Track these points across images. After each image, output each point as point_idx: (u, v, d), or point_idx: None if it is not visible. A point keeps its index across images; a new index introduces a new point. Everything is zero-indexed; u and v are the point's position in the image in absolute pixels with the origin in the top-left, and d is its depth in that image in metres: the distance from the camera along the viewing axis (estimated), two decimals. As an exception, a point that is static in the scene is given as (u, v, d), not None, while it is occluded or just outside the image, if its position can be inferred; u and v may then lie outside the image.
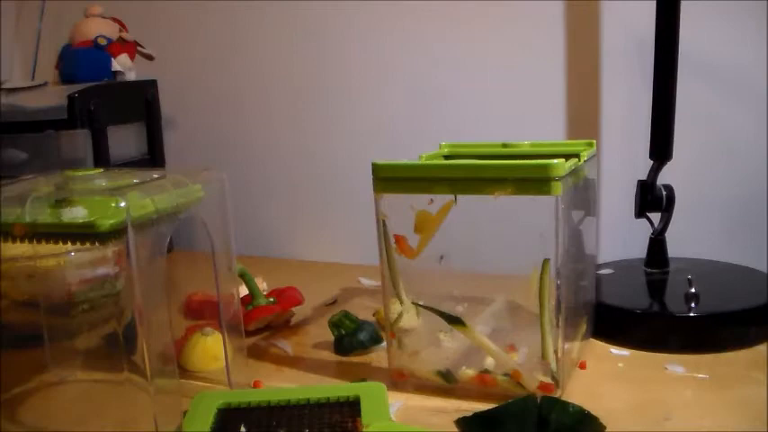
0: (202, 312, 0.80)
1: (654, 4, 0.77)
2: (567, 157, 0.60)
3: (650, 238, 0.83)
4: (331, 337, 0.76)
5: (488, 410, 0.54)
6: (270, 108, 1.16)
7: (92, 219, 0.52)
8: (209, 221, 0.62)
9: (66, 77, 1.07)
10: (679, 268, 0.82)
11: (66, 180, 0.60)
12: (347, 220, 1.13)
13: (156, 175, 0.60)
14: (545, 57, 0.97)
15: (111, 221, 0.51)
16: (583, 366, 0.68)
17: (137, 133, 1.11)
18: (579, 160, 0.64)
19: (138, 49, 1.12)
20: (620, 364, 0.69)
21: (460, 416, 0.55)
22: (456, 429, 0.55)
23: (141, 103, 1.10)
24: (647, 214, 0.82)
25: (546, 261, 0.58)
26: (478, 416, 0.54)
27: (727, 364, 0.67)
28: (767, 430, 0.54)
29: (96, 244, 0.52)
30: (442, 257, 0.63)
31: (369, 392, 0.56)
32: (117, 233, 0.51)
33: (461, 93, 1.03)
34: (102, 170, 0.63)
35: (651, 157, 0.81)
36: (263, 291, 0.86)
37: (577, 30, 0.95)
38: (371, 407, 0.54)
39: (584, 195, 0.68)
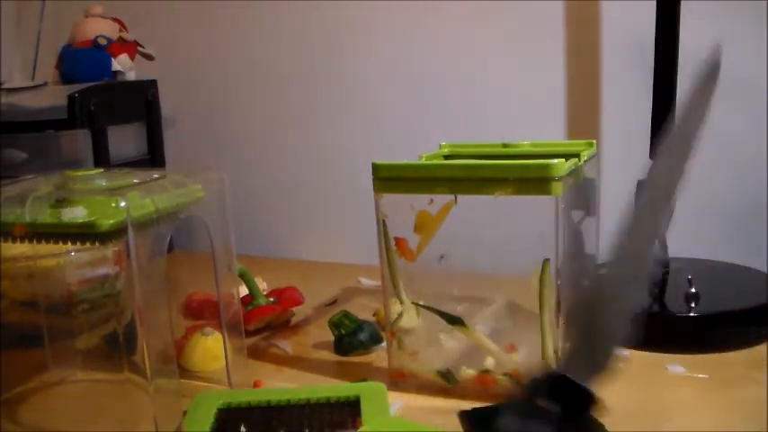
0: (202, 312, 0.80)
1: (654, 4, 0.77)
2: (567, 157, 0.60)
3: (650, 237, 0.83)
4: (331, 337, 0.76)
5: (490, 406, 0.54)
6: (270, 108, 1.16)
7: (92, 219, 0.52)
8: (210, 221, 0.62)
9: (66, 77, 1.07)
10: (679, 268, 0.82)
11: (66, 180, 0.60)
12: (347, 220, 1.13)
13: (156, 175, 0.60)
14: (545, 57, 0.97)
15: (111, 221, 0.51)
16: (583, 366, 0.68)
17: (137, 133, 1.11)
18: (579, 160, 0.64)
19: (138, 48, 1.12)
20: (620, 364, 0.69)
21: (463, 410, 0.55)
22: (457, 422, 0.55)
23: (141, 103, 1.10)
24: (647, 214, 0.82)
25: (546, 261, 0.58)
26: (480, 410, 0.54)
27: (727, 364, 0.67)
28: (767, 430, 0.54)
29: (96, 244, 0.52)
30: (442, 257, 0.63)
31: (369, 392, 0.56)
32: (117, 233, 0.51)
33: (461, 93, 1.03)
34: (102, 170, 0.63)
35: (651, 156, 0.81)
36: (263, 291, 0.86)
37: (577, 30, 0.95)
38: (371, 407, 0.54)
39: (584, 195, 0.68)
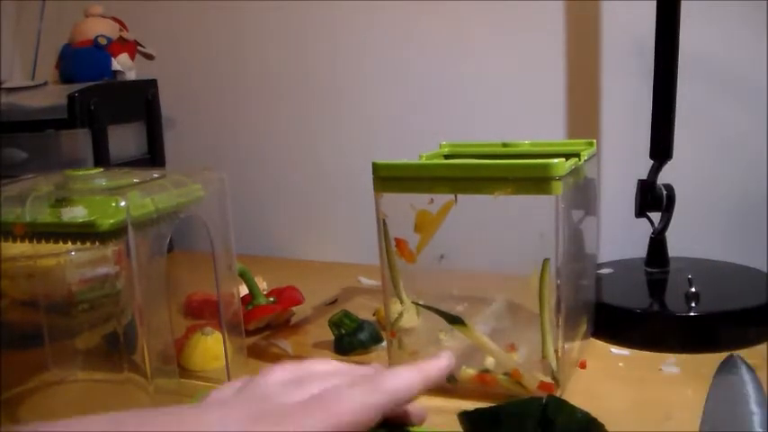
0: (202, 312, 0.80)
1: (654, 4, 0.77)
2: (567, 156, 0.60)
3: (650, 237, 0.83)
4: (331, 337, 0.76)
5: (491, 407, 0.54)
6: (270, 107, 1.16)
7: (92, 218, 0.52)
8: (210, 221, 0.62)
9: (66, 77, 1.07)
10: (679, 268, 0.82)
11: (67, 180, 0.60)
12: (347, 219, 1.13)
13: (156, 175, 0.60)
14: (545, 57, 0.97)
15: (111, 221, 0.51)
16: (583, 366, 0.68)
17: (137, 133, 1.11)
18: (579, 160, 0.64)
19: (138, 48, 1.12)
20: (621, 364, 0.69)
21: (463, 410, 0.55)
22: (458, 423, 0.55)
23: (141, 103, 1.11)
24: (648, 214, 0.82)
25: (546, 261, 0.58)
26: (481, 412, 0.54)
27: (728, 364, 0.67)
28: (767, 430, 0.54)
29: (96, 243, 0.52)
30: (442, 257, 0.63)
31: None
32: (117, 233, 0.51)
33: (461, 92, 1.03)
34: (102, 170, 0.63)
35: (651, 156, 0.81)
36: (263, 290, 0.86)
37: (577, 30, 0.95)
38: None
39: (584, 195, 0.68)
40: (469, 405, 0.59)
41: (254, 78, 1.16)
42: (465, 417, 0.54)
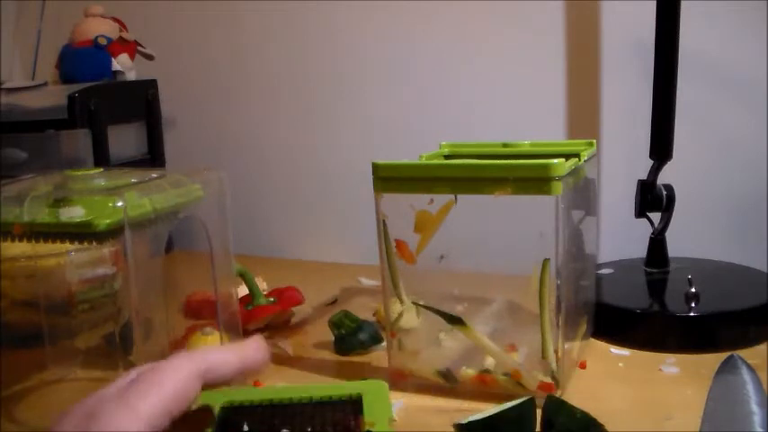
0: (202, 312, 0.80)
1: (654, 4, 0.77)
2: (567, 156, 0.60)
3: (650, 237, 0.83)
4: (331, 337, 0.76)
5: (486, 417, 0.54)
6: (270, 107, 1.16)
7: (89, 218, 0.52)
8: (209, 221, 0.62)
9: (66, 77, 1.07)
10: (679, 268, 0.82)
11: (66, 179, 0.60)
12: (347, 219, 1.13)
13: (154, 175, 0.60)
14: (545, 57, 0.97)
15: (108, 221, 0.51)
16: (583, 366, 0.68)
17: (137, 133, 1.11)
18: (579, 160, 0.64)
19: (139, 48, 1.12)
20: (621, 364, 0.69)
21: (458, 419, 0.55)
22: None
23: (141, 103, 1.10)
24: (648, 214, 0.82)
25: (546, 261, 0.58)
26: (477, 422, 0.54)
27: (728, 364, 0.67)
28: (767, 431, 0.54)
29: (93, 243, 0.52)
30: (442, 257, 0.63)
31: (371, 390, 0.56)
32: (114, 233, 0.51)
33: (461, 93, 1.03)
34: (101, 170, 0.63)
35: (651, 156, 0.81)
36: (263, 290, 0.86)
37: (577, 30, 0.95)
38: (374, 405, 0.54)
39: (584, 195, 0.68)
40: (469, 406, 0.59)
41: (254, 78, 1.16)
42: (462, 429, 0.54)
